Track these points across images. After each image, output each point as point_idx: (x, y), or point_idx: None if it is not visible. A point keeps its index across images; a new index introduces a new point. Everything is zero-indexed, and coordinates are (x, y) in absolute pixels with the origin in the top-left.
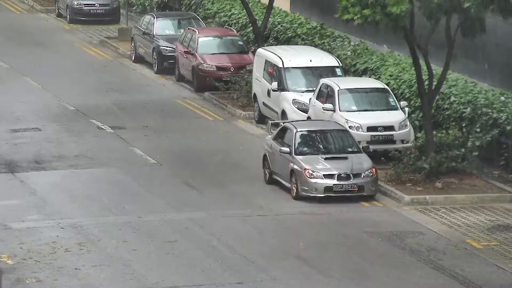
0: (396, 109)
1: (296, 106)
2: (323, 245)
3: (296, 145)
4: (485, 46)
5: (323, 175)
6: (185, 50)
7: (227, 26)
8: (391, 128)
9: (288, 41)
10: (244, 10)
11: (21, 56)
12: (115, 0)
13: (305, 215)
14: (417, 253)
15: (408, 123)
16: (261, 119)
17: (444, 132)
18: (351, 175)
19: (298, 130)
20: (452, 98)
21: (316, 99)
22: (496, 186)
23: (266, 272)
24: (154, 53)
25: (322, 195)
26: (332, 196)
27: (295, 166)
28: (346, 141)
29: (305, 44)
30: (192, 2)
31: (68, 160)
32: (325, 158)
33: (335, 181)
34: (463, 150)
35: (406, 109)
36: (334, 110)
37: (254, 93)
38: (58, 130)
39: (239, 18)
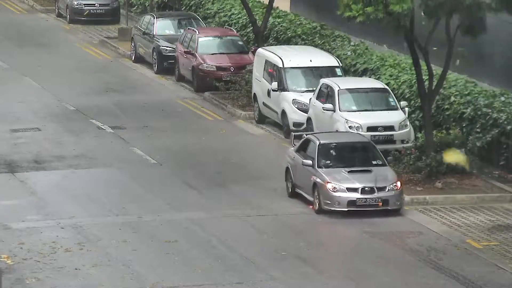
0: (396, 109)
1: (296, 106)
2: (323, 245)
3: (319, 157)
4: (485, 46)
5: (346, 188)
6: (185, 50)
7: (227, 26)
8: (391, 128)
9: (288, 41)
10: (244, 10)
11: (21, 56)
12: (115, 0)
13: (305, 215)
14: (417, 253)
15: (408, 123)
16: (261, 119)
17: (444, 132)
18: (375, 188)
19: (321, 142)
20: (452, 98)
21: (316, 99)
22: (496, 186)
23: (266, 272)
24: (154, 53)
25: (345, 209)
26: (355, 211)
27: (318, 179)
28: (370, 153)
29: (305, 44)
30: (192, 2)
31: (68, 160)
32: (349, 171)
33: (358, 195)
34: (463, 150)
35: (406, 109)
36: (334, 110)
37: (254, 93)
38: (58, 130)
39: (239, 18)
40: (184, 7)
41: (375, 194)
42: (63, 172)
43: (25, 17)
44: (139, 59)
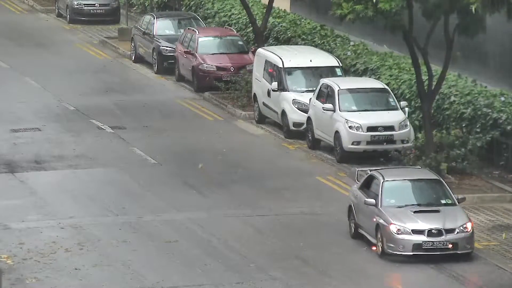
0: (396, 109)
1: (296, 106)
2: (323, 245)
3: (383, 196)
4: (485, 46)
5: (412, 230)
6: (185, 50)
7: (227, 26)
8: (391, 128)
9: (288, 41)
10: (244, 10)
11: (21, 56)
12: (115, 0)
13: (305, 215)
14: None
15: (408, 123)
16: (261, 119)
17: (445, 132)
18: (443, 231)
19: (386, 179)
20: (452, 98)
21: (316, 99)
22: (496, 186)
23: (266, 272)
24: (154, 53)
25: (411, 253)
26: (422, 255)
27: (381, 220)
28: (439, 192)
29: (305, 44)
30: (192, 2)
31: (68, 160)
32: (415, 211)
33: (425, 238)
34: (463, 150)
35: (406, 109)
36: (334, 110)
37: (254, 93)
38: (58, 130)
39: (239, 18)
40: (184, 7)
41: (443, 236)
42: (63, 172)
43: (25, 17)
44: (139, 59)
